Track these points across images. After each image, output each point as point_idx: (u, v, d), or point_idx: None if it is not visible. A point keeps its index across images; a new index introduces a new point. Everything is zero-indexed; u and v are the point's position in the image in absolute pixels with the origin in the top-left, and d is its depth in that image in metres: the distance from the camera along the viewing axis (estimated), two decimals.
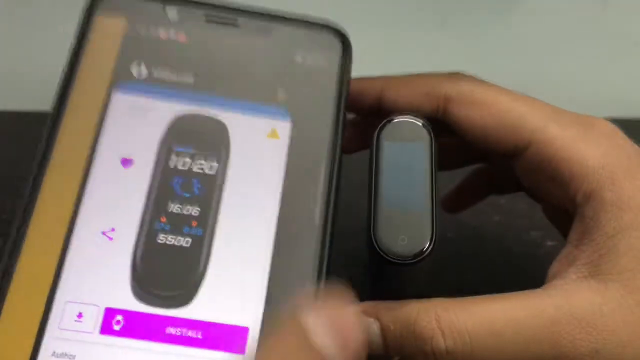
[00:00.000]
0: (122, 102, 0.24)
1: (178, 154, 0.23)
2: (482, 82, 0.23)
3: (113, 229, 0.22)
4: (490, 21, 0.58)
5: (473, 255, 0.33)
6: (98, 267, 0.21)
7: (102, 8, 0.25)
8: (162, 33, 0.24)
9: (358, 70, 0.57)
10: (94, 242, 0.21)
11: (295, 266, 0.21)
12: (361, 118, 0.27)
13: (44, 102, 0.59)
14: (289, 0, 0.56)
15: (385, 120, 0.21)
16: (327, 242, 0.21)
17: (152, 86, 0.24)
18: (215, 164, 0.23)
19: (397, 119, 0.21)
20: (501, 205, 0.34)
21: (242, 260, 0.22)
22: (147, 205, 0.22)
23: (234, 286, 0.21)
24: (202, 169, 0.23)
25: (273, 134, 0.23)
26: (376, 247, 0.19)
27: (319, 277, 0.21)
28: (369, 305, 0.21)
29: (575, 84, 0.57)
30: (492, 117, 0.22)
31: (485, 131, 0.22)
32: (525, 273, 0.31)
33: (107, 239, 0.22)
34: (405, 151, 0.21)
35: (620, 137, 0.22)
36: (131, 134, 0.23)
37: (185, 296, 0.21)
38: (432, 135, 0.21)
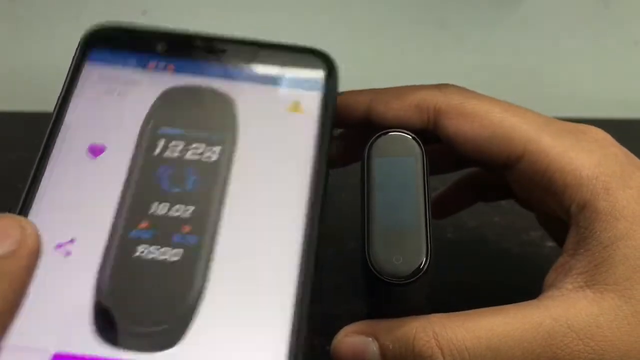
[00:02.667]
0: (92, 74, 0.19)
1: (166, 138, 0.17)
2: (472, 93, 0.23)
3: (72, 240, 0.16)
4: (490, 21, 0.58)
5: (473, 255, 0.33)
6: (49, 295, 0.15)
7: None
8: None
9: (358, 70, 0.57)
10: (43, 259, 0.13)
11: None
12: (351, 131, 0.27)
13: (44, 102, 0.59)
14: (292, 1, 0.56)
15: (374, 136, 0.21)
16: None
17: (131, 53, 0.18)
18: (217, 149, 0.18)
19: (387, 134, 0.21)
20: (501, 205, 0.34)
21: (254, 280, 0.16)
22: (121, 206, 0.17)
23: (243, 318, 0.15)
24: (199, 155, 0.17)
25: (295, 108, 0.19)
26: (372, 268, 0.19)
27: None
28: (366, 324, 0.20)
29: (575, 84, 0.57)
30: (484, 129, 0.22)
31: (476, 143, 0.22)
32: (525, 274, 0.31)
33: (63, 254, 0.16)
34: (396, 166, 0.20)
35: (612, 145, 0.22)
36: (103, 114, 0.18)
37: (172, 333, 0.15)
38: (423, 149, 0.21)
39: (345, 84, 0.24)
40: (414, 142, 0.21)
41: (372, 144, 0.21)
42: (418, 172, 0.20)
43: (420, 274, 0.19)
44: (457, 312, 0.20)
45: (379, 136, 0.21)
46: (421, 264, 0.19)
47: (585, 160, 0.21)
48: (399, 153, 0.20)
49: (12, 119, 0.58)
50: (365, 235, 0.19)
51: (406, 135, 0.21)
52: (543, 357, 0.19)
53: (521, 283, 0.30)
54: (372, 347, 0.20)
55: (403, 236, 0.19)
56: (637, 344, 0.20)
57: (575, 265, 0.21)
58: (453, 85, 0.23)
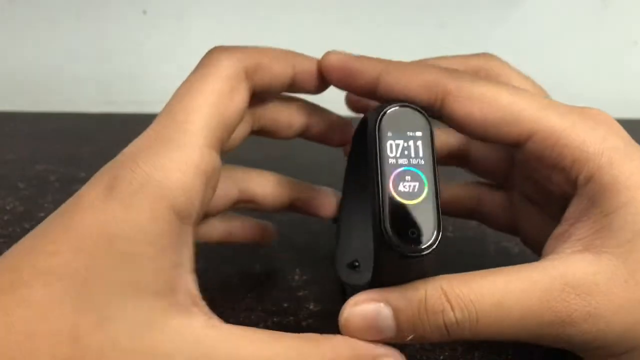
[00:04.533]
0: None
1: None
2: (479, 78, 0.23)
3: None
4: (490, 21, 0.59)
5: (473, 255, 0.33)
6: None
7: None
8: None
9: None
10: None
11: None
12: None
13: (44, 102, 0.59)
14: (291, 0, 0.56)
15: (383, 108, 0.21)
16: None
17: None
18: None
19: (397, 107, 0.21)
20: None
21: None
22: None
23: None
24: None
25: None
26: (389, 242, 0.19)
27: None
28: (375, 292, 0.21)
29: (575, 84, 0.57)
30: (493, 111, 0.22)
31: (485, 125, 0.22)
32: None
33: None
34: (406, 141, 0.20)
35: (614, 123, 0.23)
36: None
37: None
38: (431, 123, 0.21)
39: None
40: (422, 116, 0.21)
41: (381, 116, 0.21)
42: (427, 147, 0.20)
43: (436, 245, 0.19)
44: (461, 273, 0.21)
45: (388, 108, 0.21)
46: (435, 236, 0.19)
47: (590, 136, 0.22)
48: (408, 127, 0.20)
49: (12, 119, 0.58)
50: (380, 209, 0.19)
51: (415, 109, 0.21)
52: (541, 310, 0.20)
53: None
54: (385, 311, 0.20)
55: (416, 210, 0.19)
56: (633, 300, 0.20)
57: (574, 232, 0.22)
58: (462, 72, 0.24)
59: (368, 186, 0.20)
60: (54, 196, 0.39)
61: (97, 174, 0.20)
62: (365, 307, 0.20)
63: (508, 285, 0.20)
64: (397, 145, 0.20)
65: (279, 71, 0.24)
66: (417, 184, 0.20)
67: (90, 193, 0.19)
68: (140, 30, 0.59)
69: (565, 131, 0.22)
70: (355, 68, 0.24)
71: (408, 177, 0.20)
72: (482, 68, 0.26)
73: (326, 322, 0.26)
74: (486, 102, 0.22)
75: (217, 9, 0.58)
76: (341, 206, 0.28)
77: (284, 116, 0.26)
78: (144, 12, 0.59)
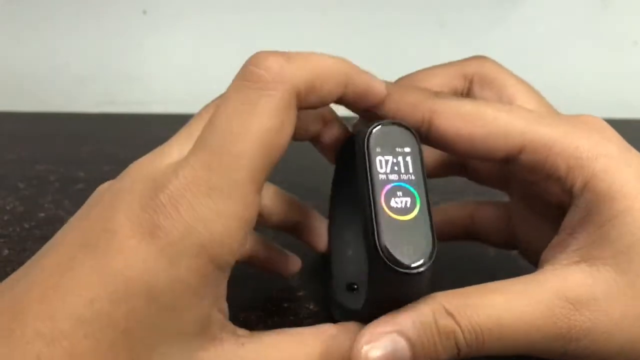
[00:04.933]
0: None
1: None
2: (465, 98, 0.24)
3: None
4: (490, 21, 0.59)
5: (473, 256, 0.33)
6: None
7: None
8: None
9: None
10: None
11: None
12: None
13: (44, 102, 0.59)
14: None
15: (371, 127, 0.21)
16: None
17: None
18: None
19: (385, 125, 0.21)
20: None
21: None
22: None
23: None
24: None
25: None
26: (385, 260, 0.19)
27: None
28: (386, 322, 0.20)
29: (575, 84, 0.57)
30: (480, 128, 0.22)
31: (473, 142, 0.22)
32: (525, 274, 0.31)
33: None
34: (396, 157, 0.20)
35: (607, 128, 0.23)
36: None
37: None
38: (419, 140, 0.21)
39: None
40: (410, 132, 0.21)
41: (369, 133, 0.20)
42: (417, 163, 0.20)
43: (432, 260, 0.19)
44: (457, 290, 0.21)
45: (376, 126, 0.21)
46: (431, 251, 0.19)
47: (584, 143, 0.22)
48: (396, 143, 0.20)
49: (12, 119, 0.58)
50: (373, 226, 0.19)
51: (402, 125, 0.21)
52: (544, 328, 0.20)
53: None
54: (401, 343, 0.20)
55: (409, 225, 0.19)
56: (631, 315, 0.20)
57: (572, 242, 0.22)
58: (447, 94, 0.24)
59: (358, 205, 0.20)
60: (54, 196, 0.39)
61: (127, 198, 0.18)
62: (383, 343, 0.20)
63: (510, 303, 0.20)
64: (387, 161, 0.20)
65: (328, 92, 0.21)
66: (408, 199, 0.20)
67: (126, 233, 0.18)
68: (140, 30, 0.59)
69: (557, 140, 0.22)
70: (360, 86, 0.24)
71: (399, 193, 0.20)
72: (476, 73, 0.26)
73: (326, 322, 0.26)
74: (473, 119, 0.22)
75: (217, 9, 0.58)
76: (330, 229, 0.28)
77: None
78: (144, 12, 0.59)
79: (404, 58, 0.62)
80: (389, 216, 0.19)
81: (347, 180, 0.26)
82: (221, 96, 0.21)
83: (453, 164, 0.29)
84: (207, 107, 0.22)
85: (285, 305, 0.28)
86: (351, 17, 0.58)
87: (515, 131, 0.22)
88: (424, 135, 0.23)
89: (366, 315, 0.21)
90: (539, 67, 0.59)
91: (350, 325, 0.21)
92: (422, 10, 0.58)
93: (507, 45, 0.58)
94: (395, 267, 0.19)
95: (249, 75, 0.19)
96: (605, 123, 0.23)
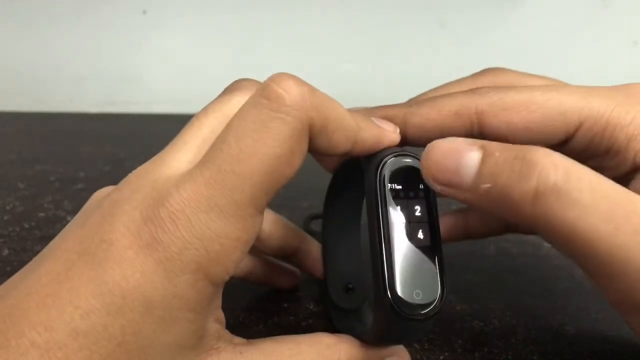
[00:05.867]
0: None
1: None
2: (506, 87, 0.23)
3: None
4: (490, 21, 0.58)
5: (473, 255, 0.33)
6: None
7: None
8: None
9: (359, 69, 0.57)
10: None
11: None
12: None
13: (44, 102, 0.59)
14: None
15: (381, 160, 0.19)
16: None
17: None
18: None
19: (394, 157, 0.20)
20: None
21: None
22: None
23: None
24: None
25: None
26: (395, 307, 0.18)
27: None
28: (474, 140, 0.18)
29: (574, 84, 0.57)
30: (533, 114, 0.22)
31: (531, 129, 0.22)
32: (525, 273, 0.31)
33: None
34: (407, 193, 0.19)
35: None
36: None
37: None
38: None
39: (346, 83, 0.24)
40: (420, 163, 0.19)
41: (381, 168, 0.19)
42: (428, 197, 0.19)
43: (441, 305, 0.18)
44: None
45: (387, 159, 0.20)
46: (440, 295, 0.18)
47: None
48: (408, 177, 0.19)
49: (12, 119, 0.58)
50: (385, 270, 0.18)
51: (412, 156, 0.20)
52: None
53: (520, 283, 0.30)
54: (474, 152, 0.18)
55: (420, 268, 0.19)
56: None
57: None
58: (484, 87, 0.23)
59: (353, 217, 0.19)
60: (54, 196, 0.39)
61: (127, 208, 0.18)
62: (454, 141, 0.18)
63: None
64: (399, 199, 0.19)
65: (337, 141, 0.20)
66: (420, 238, 0.19)
67: (124, 243, 0.18)
68: (140, 30, 0.59)
69: (613, 112, 0.21)
70: (383, 117, 0.23)
71: (410, 232, 0.19)
72: (494, 85, 0.25)
73: (326, 322, 0.26)
74: (523, 107, 0.22)
75: (218, 9, 0.58)
76: (324, 228, 0.27)
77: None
78: (144, 12, 0.59)
79: (404, 58, 0.62)
80: (401, 261, 0.19)
81: (343, 186, 0.26)
82: (218, 99, 0.21)
83: (460, 235, 0.28)
84: (205, 110, 0.21)
85: (285, 305, 0.28)
86: (351, 17, 0.58)
87: (570, 108, 0.22)
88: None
89: (374, 342, 0.21)
90: (539, 67, 0.59)
91: (345, 337, 0.21)
92: (422, 10, 0.58)
93: (507, 45, 0.58)
94: (404, 314, 0.18)
95: (268, 92, 0.18)
96: None
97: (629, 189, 0.21)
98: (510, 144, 0.18)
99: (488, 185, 0.18)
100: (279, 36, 0.56)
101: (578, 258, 0.18)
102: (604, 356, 0.24)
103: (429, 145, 0.19)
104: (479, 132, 0.22)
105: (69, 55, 0.60)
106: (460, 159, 0.18)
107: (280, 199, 0.38)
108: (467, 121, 0.22)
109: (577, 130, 0.22)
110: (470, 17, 0.58)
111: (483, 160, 0.18)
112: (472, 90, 0.23)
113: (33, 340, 0.17)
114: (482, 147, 0.18)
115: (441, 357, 0.25)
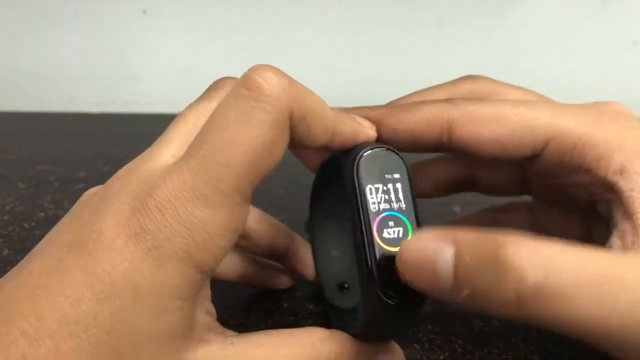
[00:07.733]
0: None
1: None
2: (480, 100, 0.23)
3: None
4: (490, 22, 0.58)
5: None
6: None
7: None
8: None
9: (359, 69, 0.57)
10: None
11: None
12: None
13: (44, 102, 0.59)
14: None
15: (358, 153, 0.20)
16: None
17: None
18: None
19: (371, 150, 0.20)
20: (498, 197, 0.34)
21: None
22: None
23: None
24: None
25: None
26: (380, 295, 0.18)
27: None
28: (446, 231, 0.18)
29: (574, 84, 0.57)
30: (502, 127, 0.22)
31: (499, 143, 0.22)
32: None
33: None
34: (385, 184, 0.20)
35: (632, 115, 0.23)
36: None
37: None
38: (407, 164, 0.20)
39: (346, 84, 0.24)
40: (397, 156, 0.20)
41: (358, 160, 0.20)
42: (406, 187, 0.20)
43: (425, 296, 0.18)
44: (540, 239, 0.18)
45: (363, 152, 0.20)
46: None
47: (611, 130, 0.22)
48: (385, 169, 0.20)
49: (13, 119, 0.58)
50: (367, 260, 0.19)
51: (389, 150, 0.20)
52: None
53: None
54: (447, 254, 0.17)
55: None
56: None
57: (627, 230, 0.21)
58: (459, 99, 0.23)
59: (338, 211, 0.20)
60: (54, 196, 0.39)
61: (116, 202, 0.19)
62: (426, 244, 0.18)
63: (597, 269, 0.17)
64: (377, 190, 0.20)
65: (315, 132, 0.20)
66: (400, 229, 0.19)
67: (113, 233, 0.18)
68: (140, 30, 0.59)
69: (583, 129, 0.22)
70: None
71: (391, 223, 0.19)
72: (472, 92, 0.25)
73: (326, 322, 0.26)
74: (493, 120, 0.22)
75: (217, 9, 0.58)
76: (312, 229, 0.27)
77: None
78: (144, 12, 0.59)
79: (404, 58, 0.62)
80: (383, 248, 0.19)
81: (326, 185, 0.26)
82: (201, 96, 0.22)
83: (464, 180, 0.28)
84: (189, 107, 0.22)
85: (285, 305, 0.28)
86: (351, 17, 0.58)
87: (539, 124, 0.22)
88: (445, 145, 0.23)
89: (363, 335, 0.21)
90: (539, 67, 0.59)
91: (339, 332, 0.21)
92: (422, 10, 0.58)
93: (507, 45, 0.58)
94: (390, 303, 0.18)
95: (248, 83, 0.19)
96: (627, 109, 0.23)
97: (612, 243, 0.21)
98: (479, 233, 0.17)
99: (468, 291, 0.17)
100: (279, 36, 0.56)
101: (582, 340, 0.18)
102: (604, 356, 0.24)
103: (401, 249, 0.18)
104: (448, 140, 0.23)
105: (69, 55, 0.60)
106: (435, 264, 0.17)
107: (281, 199, 0.38)
108: (437, 129, 0.22)
109: (545, 146, 0.22)
110: (470, 17, 0.58)
111: (456, 264, 0.17)
112: (447, 100, 0.23)
113: (23, 329, 0.17)
114: (454, 243, 0.17)
115: (441, 357, 0.25)
